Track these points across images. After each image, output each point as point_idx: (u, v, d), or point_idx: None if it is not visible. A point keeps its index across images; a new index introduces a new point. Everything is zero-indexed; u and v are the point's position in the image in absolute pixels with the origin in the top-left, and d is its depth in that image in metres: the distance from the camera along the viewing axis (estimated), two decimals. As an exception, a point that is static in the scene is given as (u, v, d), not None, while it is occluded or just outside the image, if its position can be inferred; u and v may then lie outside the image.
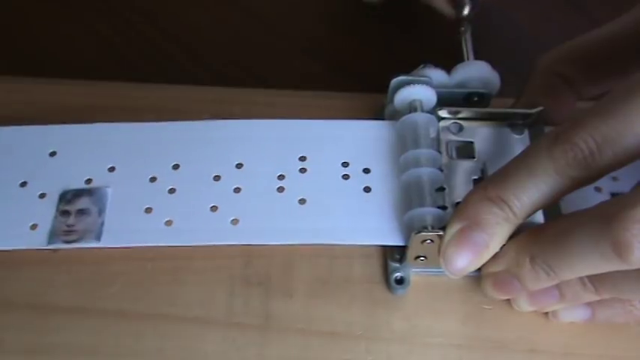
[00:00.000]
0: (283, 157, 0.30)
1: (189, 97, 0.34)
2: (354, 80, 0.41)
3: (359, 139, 0.31)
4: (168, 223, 0.29)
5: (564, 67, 0.31)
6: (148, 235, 0.29)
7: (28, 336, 0.28)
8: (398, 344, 0.28)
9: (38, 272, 0.29)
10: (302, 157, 0.31)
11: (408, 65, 0.32)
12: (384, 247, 0.29)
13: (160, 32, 0.43)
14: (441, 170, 0.29)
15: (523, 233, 0.26)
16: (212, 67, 0.42)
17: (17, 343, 0.27)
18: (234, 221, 0.29)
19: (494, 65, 0.32)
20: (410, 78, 0.30)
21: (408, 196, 0.29)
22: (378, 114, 0.33)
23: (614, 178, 0.30)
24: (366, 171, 0.30)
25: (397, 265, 0.29)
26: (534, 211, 0.25)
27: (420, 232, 0.27)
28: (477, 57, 0.33)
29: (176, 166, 0.30)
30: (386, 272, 0.29)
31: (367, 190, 0.30)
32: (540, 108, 0.30)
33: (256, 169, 0.30)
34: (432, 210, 0.28)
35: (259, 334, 0.28)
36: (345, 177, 0.30)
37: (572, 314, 0.28)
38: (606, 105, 0.23)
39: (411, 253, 0.28)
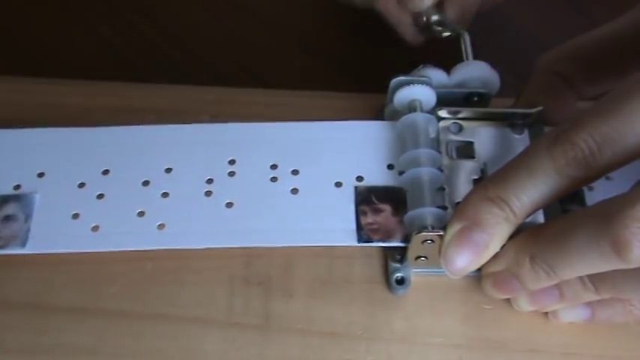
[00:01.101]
0: (212, 161, 0.31)
1: (189, 97, 0.34)
2: (354, 80, 0.41)
3: (288, 141, 0.31)
4: (95, 228, 0.29)
5: (564, 67, 0.31)
6: (73, 240, 0.29)
7: (28, 336, 0.28)
8: (398, 344, 0.28)
9: (38, 272, 0.29)
10: (231, 160, 0.31)
11: (408, 65, 0.32)
12: (383, 247, 0.29)
13: (159, 32, 0.43)
14: (441, 170, 0.29)
15: (523, 233, 0.26)
16: (212, 67, 0.42)
17: (17, 343, 0.27)
18: (161, 226, 0.29)
19: (494, 65, 0.32)
20: (409, 78, 0.30)
21: (408, 197, 0.29)
22: (378, 114, 0.33)
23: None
24: (295, 172, 0.30)
25: (398, 265, 0.29)
26: (534, 211, 0.25)
27: (420, 232, 0.27)
28: (477, 57, 0.33)
29: (106, 172, 0.31)
30: (386, 272, 0.29)
31: (294, 191, 0.30)
32: (540, 108, 0.30)
33: (185, 174, 0.30)
34: (433, 210, 0.27)
35: (259, 334, 0.28)
36: (274, 179, 0.30)
37: (572, 314, 0.28)
38: (606, 104, 0.23)
39: (411, 254, 0.28)
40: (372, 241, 0.29)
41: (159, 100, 0.34)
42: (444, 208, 0.29)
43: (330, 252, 0.29)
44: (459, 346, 0.28)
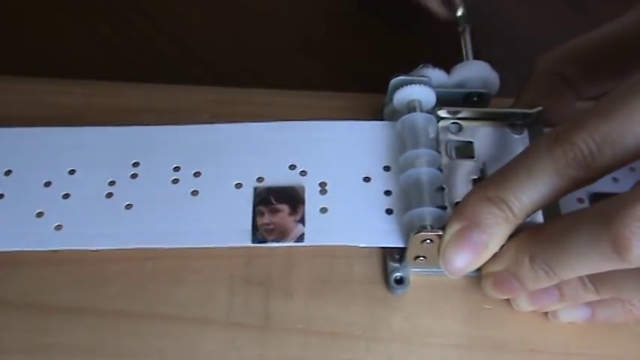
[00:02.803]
0: (116, 164, 0.31)
1: (189, 97, 0.34)
2: (354, 80, 0.41)
3: (192, 144, 0.31)
4: None
5: (564, 67, 0.31)
6: None
7: (28, 336, 0.28)
8: (398, 344, 0.28)
9: (38, 272, 0.29)
10: (135, 162, 0.31)
11: (408, 65, 0.32)
12: (383, 247, 0.29)
13: (159, 32, 0.43)
14: (441, 170, 0.29)
15: (523, 233, 0.26)
16: (212, 67, 0.42)
17: (16, 343, 0.27)
18: (58, 227, 0.29)
19: (494, 65, 0.32)
20: (409, 78, 0.30)
21: (407, 196, 0.29)
22: (377, 114, 0.33)
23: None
24: (197, 174, 0.30)
25: (397, 265, 0.29)
26: (534, 211, 0.25)
27: (419, 231, 0.27)
28: (477, 57, 0.33)
29: (8, 172, 0.31)
30: (385, 272, 0.29)
31: (195, 193, 0.30)
32: (539, 108, 0.30)
33: (88, 176, 0.31)
34: (432, 210, 0.28)
35: (259, 334, 0.28)
36: (175, 181, 0.30)
37: (572, 314, 0.28)
38: (606, 105, 0.23)
39: (410, 253, 0.28)
40: (266, 242, 0.29)
41: (159, 100, 0.34)
42: (444, 208, 0.28)
43: (330, 252, 0.29)
44: (458, 346, 0.28)
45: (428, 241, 0.27)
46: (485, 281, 0.27)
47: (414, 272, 0.29)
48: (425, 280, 0.29)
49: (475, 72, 0.32)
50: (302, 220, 0.29)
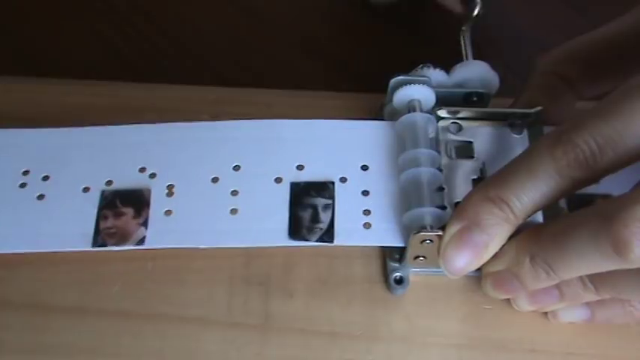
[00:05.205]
0: None
1: (189, 97, 0.34)
2: (354, 80, 0.41)
3: (42, 147, 0.31)
4: None
5: (564, 67, 0.31)
6: None
7: (28, 336, 0.28)
8: (398, 344, 0.28)
9: (38, 272, 0.29)
10: None
11: (408, 65, 0.32)
12: (383, 246, 0.29)
13: (159, 32, 0.43)
14: (440, 170, 0.29)
15: (523, 232, 0.26)
16: (212, 67, 0.42)
17: (17, 343, 0.27)
18: None
19: (494, 65, 0.32)
20: (409, 78, 0.30)
21: (407, 196, 0.29)
22: (377, 114, 0.33)
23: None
24: (45, 179, 0.30)
25: (396, 265, 0.29)
26: (534, 212, 0.25)
27: (419, 232, 0.27)
28: (477, 57, 0.33)
29: None
30: (385, 272, 0.29)
31: (41, 197, 0.30)
32: (539, 108, 0.30)
33: None
34: (432, 210, 0.28)
35: (259, 334, 0.28)
36: (22, 185, 0.30)
37: (572, 314, 0.28)
38: (607, 105, 0.23)
39: (410, 253, 0.28)
40: (106, 245, 0.29)
41: (159, 100, 0.34)
42: (443, 207, 0.28)
43: (330, 252, 0.29)
44: (458, 346, 0.28)
45: (428, 241, 0.27)
46: (486, 281, 0.27)
47: (413, 272, 0.29)
48: (425, 280, 0.29)
49: (475, 72, 0.32)
50: (145, 223, 0.29)
